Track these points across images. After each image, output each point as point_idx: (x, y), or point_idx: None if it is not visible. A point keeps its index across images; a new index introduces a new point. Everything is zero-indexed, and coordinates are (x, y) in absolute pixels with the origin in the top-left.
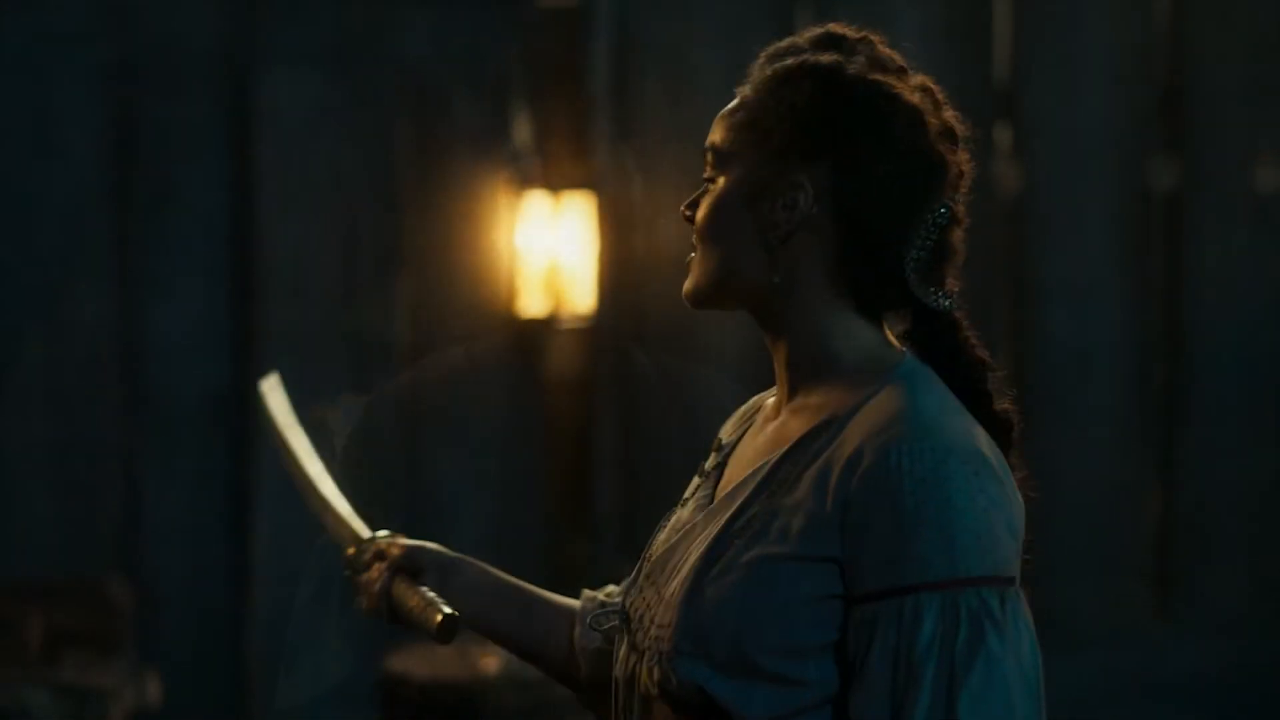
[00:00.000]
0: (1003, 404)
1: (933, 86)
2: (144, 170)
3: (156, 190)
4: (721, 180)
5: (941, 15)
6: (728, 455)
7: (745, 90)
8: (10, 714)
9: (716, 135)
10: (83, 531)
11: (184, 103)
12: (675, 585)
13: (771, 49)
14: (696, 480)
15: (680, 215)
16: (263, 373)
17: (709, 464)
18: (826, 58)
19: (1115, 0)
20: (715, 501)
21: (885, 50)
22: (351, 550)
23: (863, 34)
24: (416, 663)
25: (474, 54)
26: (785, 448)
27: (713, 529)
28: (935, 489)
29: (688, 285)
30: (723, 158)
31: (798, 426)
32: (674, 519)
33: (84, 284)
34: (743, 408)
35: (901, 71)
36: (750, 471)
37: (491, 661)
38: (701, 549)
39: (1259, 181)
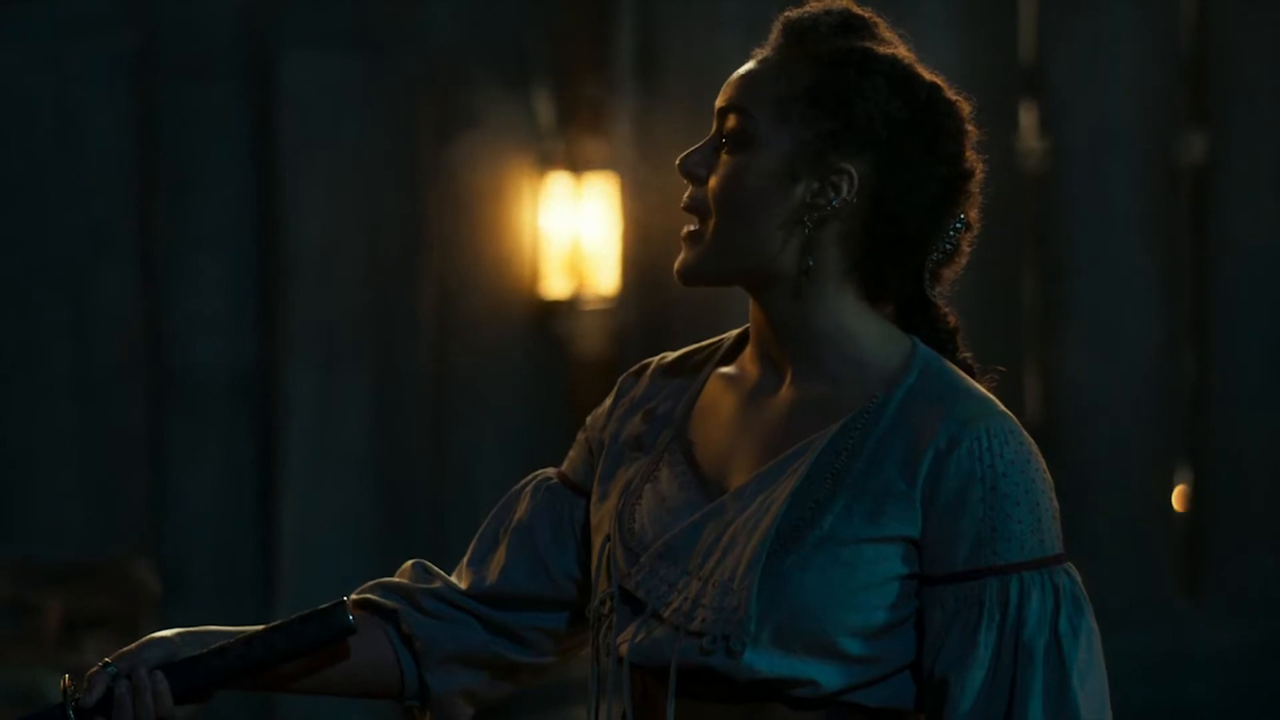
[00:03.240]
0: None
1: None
2: (168, 153)
3: (181, 173)
4: (754, 150)
5: None
6: (683, 426)
7: (773, 58)
8: (27, 697)
9: (746, 99)
10: (109, 514)
11: (208, 85)
12: (733, 567)
13: (792, 19)
14: (636, 455)
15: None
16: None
17: (638, 431)
18: (884, 49)
19: None
20: (750, 479)
21: (891, 34)
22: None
23: (872, 16)
24: None
25: (497, 35)
26: (834, 427)
27: (763, 510)
28: (1023, 470)
29: (690, 258)
30: (756, 125)
31: (829, 406)
32: (648, 496)
33: (109, 267)
34: (650, 371)
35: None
36: (789, 450)
37: None
38: (760, 532)
39: None
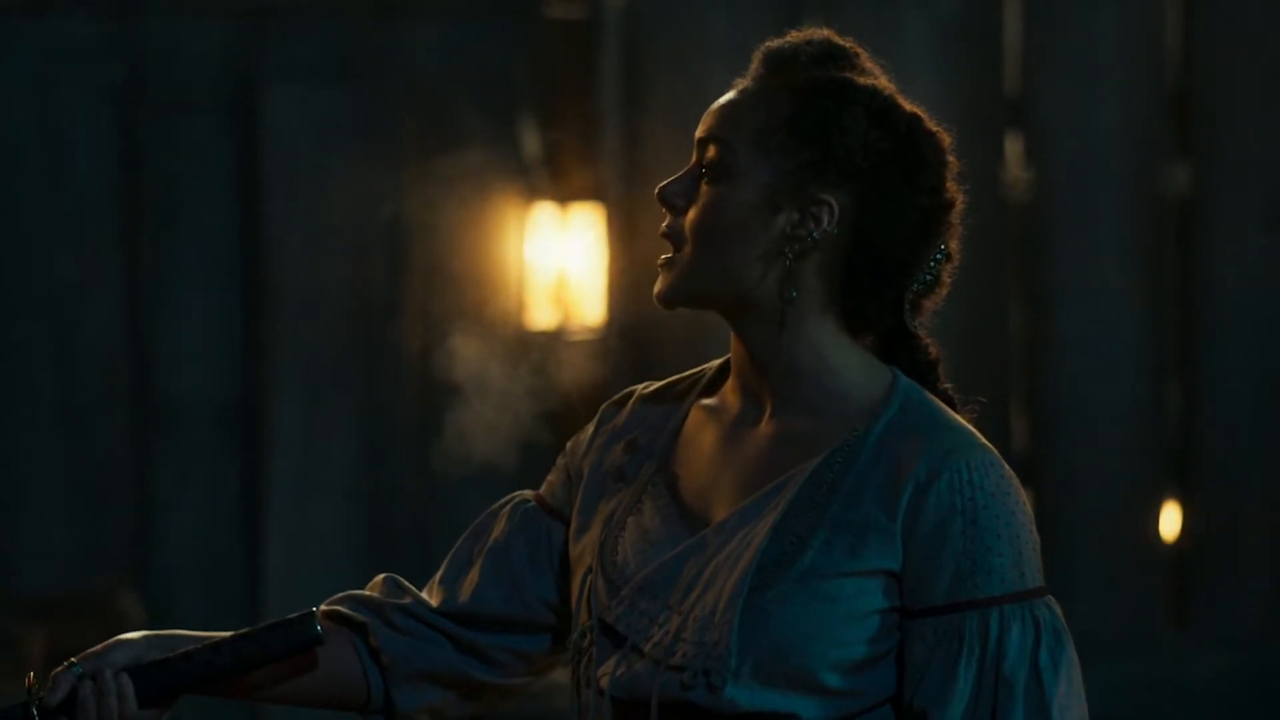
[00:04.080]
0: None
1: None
2: (153, 184)
3: (165, 204)
4: (733, 180)
5: (951, 22)
6: (665, 458)
7: (752, 88)
8: None
9: (725, 129)
10: (94, 545)
11: (191, 117)
12: (714, 602)
13: (773, 48)
14: (618, 486)
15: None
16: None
17: (620, 462)
18: (865, 80)
19: (1125, 5)
20: (732, 513)
21: (873, 64)
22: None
23: (854, 46)
24: None
25: (482, 66)
26: (814, 461)
27: (744, 545)
28: (1002, 503)
29: (669, 283)
30: (735, 156)
31: (810, 439)
32: (631, 528)
33: (94, 298)
34: (632, 401)
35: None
36: (770, 485)
37: None
38: (740, 567)
39: (1272, 186)
